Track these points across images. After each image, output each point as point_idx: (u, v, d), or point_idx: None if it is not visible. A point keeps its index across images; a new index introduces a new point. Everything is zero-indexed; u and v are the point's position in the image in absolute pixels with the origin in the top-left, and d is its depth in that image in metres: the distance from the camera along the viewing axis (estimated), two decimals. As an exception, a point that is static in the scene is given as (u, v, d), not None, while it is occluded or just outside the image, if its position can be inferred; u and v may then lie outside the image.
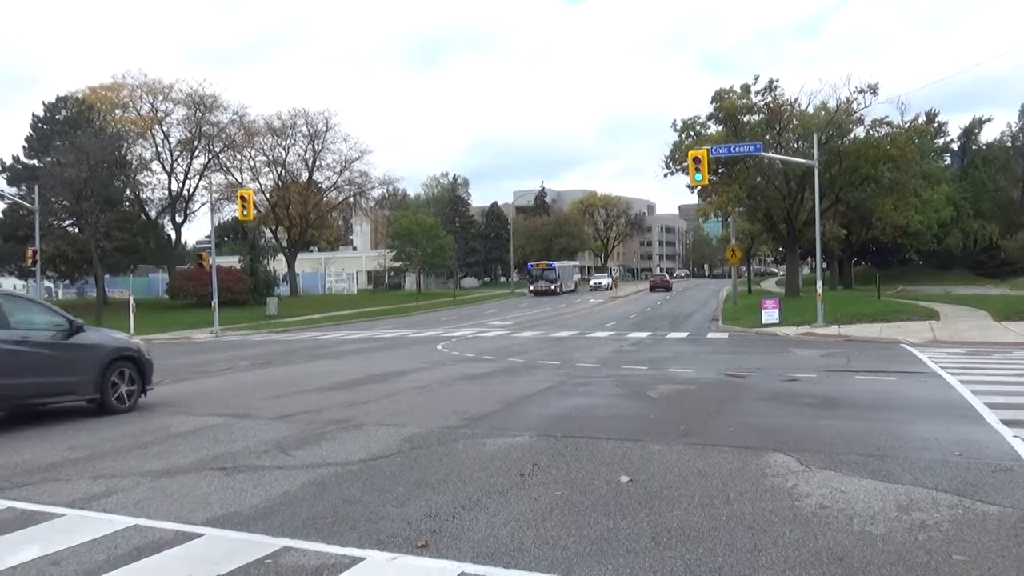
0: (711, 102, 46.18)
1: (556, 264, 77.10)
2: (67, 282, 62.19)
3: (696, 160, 27.79)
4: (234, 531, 5.69)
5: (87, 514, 6.19)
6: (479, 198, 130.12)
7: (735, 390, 13.20)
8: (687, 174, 32.39)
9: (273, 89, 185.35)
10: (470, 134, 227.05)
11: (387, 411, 11.29)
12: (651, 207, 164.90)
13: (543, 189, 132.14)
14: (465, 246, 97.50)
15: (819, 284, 30.10)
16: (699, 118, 47.02)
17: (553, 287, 71.51)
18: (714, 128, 46.75)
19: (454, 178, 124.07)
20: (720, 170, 43.94)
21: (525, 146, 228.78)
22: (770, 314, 29.65)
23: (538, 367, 17.34)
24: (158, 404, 12.55)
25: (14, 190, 47.16)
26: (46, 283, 53.59)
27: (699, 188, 47.14)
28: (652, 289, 77.08)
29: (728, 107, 44.83)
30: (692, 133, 46.49)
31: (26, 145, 51.80)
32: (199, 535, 5.59)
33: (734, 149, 33.33)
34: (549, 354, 20.53)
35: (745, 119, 45.76)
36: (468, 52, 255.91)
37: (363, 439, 9.06)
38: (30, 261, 38.26)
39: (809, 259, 74.21)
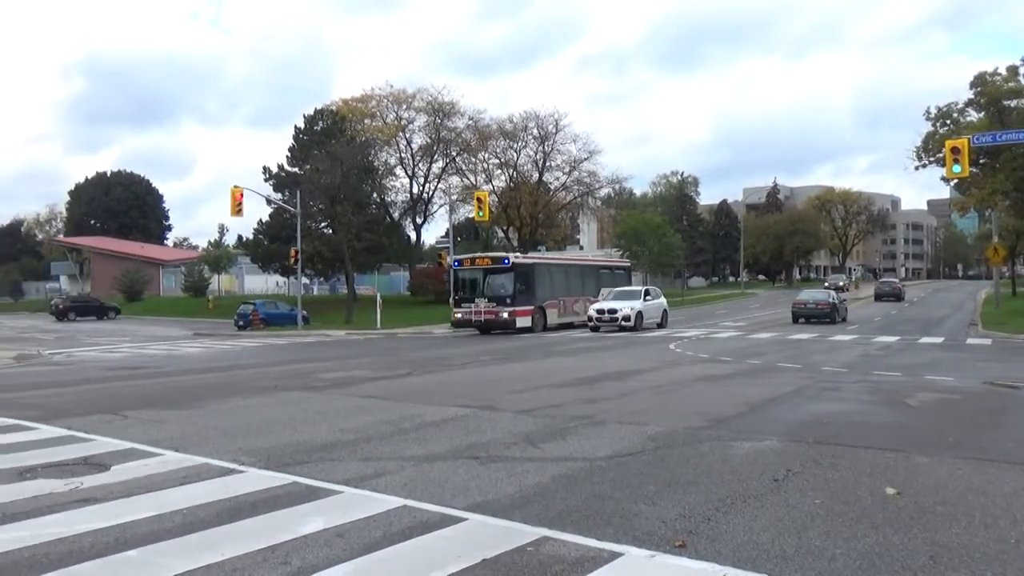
0: (970, 87, 42.19)
1: (512, 258, 33.91)
2: (321, 279, 67.76)
3: (955, 150, 25.50)
4: (494, 518, 5.91)
5: (361, 492, 6.69)
6: (708, 196, 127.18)
7: (1008, 401, 12.00)
8: (941, 166, 29.89)
9: (526, 93, 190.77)
10: (716, 130, 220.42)
11: (627, 409, 11.31)
12: (895, 203, 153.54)
13: (775, 186, 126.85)
14: (692, 245, 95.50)
15: (1104, 286, 26.61)
16: (956, 104, 43.11)
17: (503, 313, 31.80)
18: (973, 115, 42.68)
19: (683, 176, 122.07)
20: (981, 160, 40.08)
21: (774, 142, 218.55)
22: (1043, 319, 26.64)
23: (779, 370, 16.67)
24: (415, 392, 13.38)
25: (279, 195, 51.91)
26: (304, 280, 58.70)
27: (955, 181, 43.35)
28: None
29: (992, 92, 40.74)
30: (948, 121, 42.73)
31: (289, 155, 56.86)
32: (463, 519, 5.87)
33: (1000, 137, 30.23)
34: (788, 357, 19.68)
35: (1011, 104, 41.38)
36: (725, 46, 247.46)
37: (607, 436, 9.14)
38: (292, 260, 42.06)
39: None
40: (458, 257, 36.05)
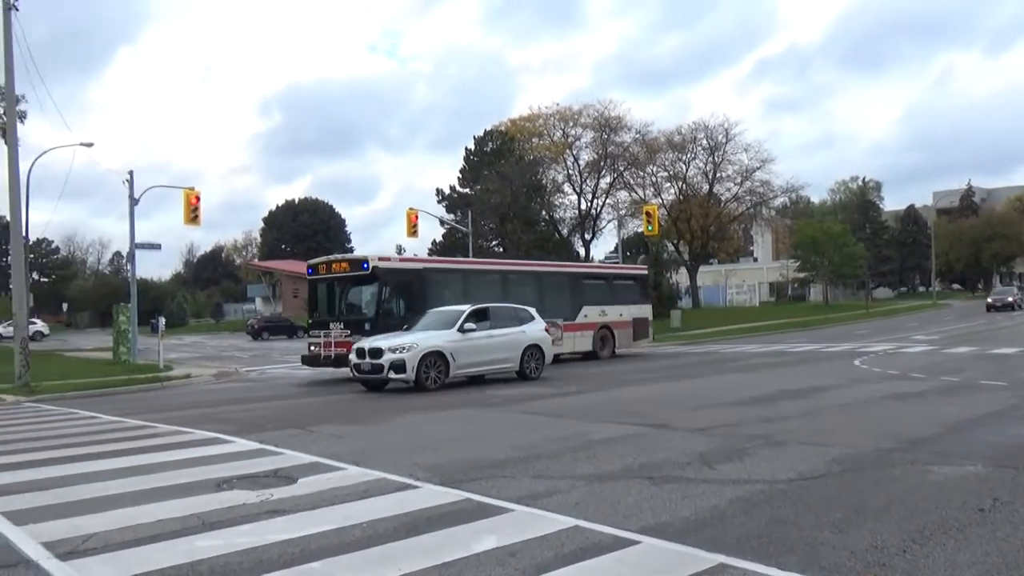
0: None
1: (375, 261, 21.89)
2: (492, 297, 69.29)
3: None
4: (668, 541, 5.71)
5: (532, 511, 6.66)
6: (893, 202, 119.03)
7: None
8: None
9: (703, 103, 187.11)
10: (904, 131, 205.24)
11: (809, 429, 10.73)
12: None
13: (970, 187, 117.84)
14: (877, 254, 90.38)
15: None
16: None
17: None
18: None
19: (864, 182, 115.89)
20: None
21: (969, 141, 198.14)
22: None
23: (980, 388, 15.34)
24: (583, 409, 13.32)
25: (451, 216, 53.62)
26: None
27: None
28: None
29: None
30: None
31: (460, 176, 58.74)
32: (636, 542, 5.71)
33: None
34: (991, 373, 18.09)
35: None
36: (918, 41, 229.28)
37: (787, 457, 8.68)
38: (465, 279, 43.20)
39: None
40: (312, 262, 24.39)
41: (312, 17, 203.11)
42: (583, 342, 27.36)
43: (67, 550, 5.78)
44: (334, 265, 23.01)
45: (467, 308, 19.39)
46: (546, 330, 20.93)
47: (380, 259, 22.19)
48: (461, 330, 18.50)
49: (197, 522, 6.49)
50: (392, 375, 17.51)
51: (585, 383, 18.73)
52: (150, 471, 8.77)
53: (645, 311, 30.63)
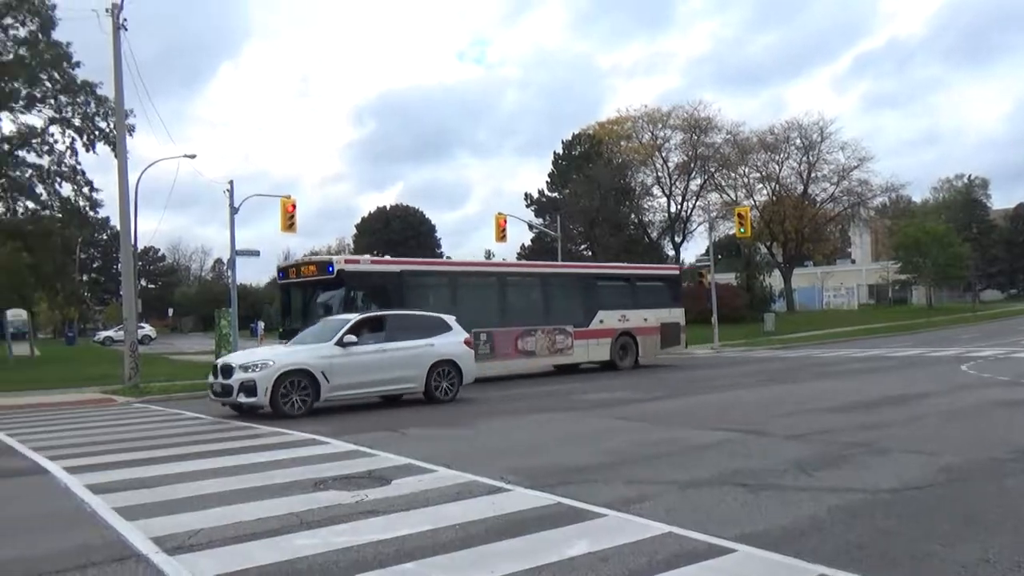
0: None
1: (341, 263, 20.49)
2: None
3: None
4: (765, 551, 5.57)
5: (625, 516, 6.60)
6: (1001, 200, 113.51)
7: None
8: None
9: (799, 101, 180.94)
10: (1015, 125, 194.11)
11: (913, 436, 10.32)
12: None
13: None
14: (984, 255, 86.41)
15: None
16: None
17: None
18: None
19: (970, 179, 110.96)
20: None
21: None
22: None
23: (1100, 395, 14.51)
24: (671, 414, 13.16)
25: (540, 220, 53.74)
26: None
27: None
28: None
29: None
30: None
31: (548, 180, 58.84)
32: (732, 551, 5.59)
33: None
34: (1112, 379, 17.08)
35: None
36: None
37: (890, 465, 8.37)
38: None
39: None
40: (282, 265, 23.69)
41: (403, 28, 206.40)
42: (599, 351, 24.94)
43: (174, 545, 6.03)
44: (303, 269, 21.46)
45: (353, 317, 16.53)
46: (466, 342, 17.47)
47: (347, 261, 20.79)
48: (341, 343, 15.40)
49: (295, 521, 6.67)
50: (243, 398, 14.70)
51: (678, 388, 18.48)
52: (251, 471, 9.06)
53: (676, 315, 27.78)
